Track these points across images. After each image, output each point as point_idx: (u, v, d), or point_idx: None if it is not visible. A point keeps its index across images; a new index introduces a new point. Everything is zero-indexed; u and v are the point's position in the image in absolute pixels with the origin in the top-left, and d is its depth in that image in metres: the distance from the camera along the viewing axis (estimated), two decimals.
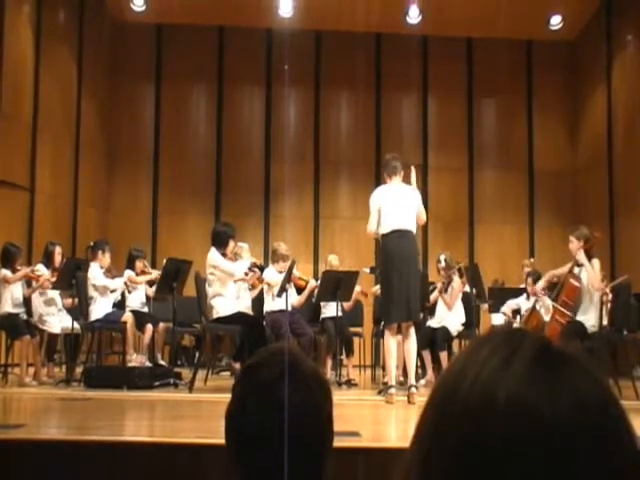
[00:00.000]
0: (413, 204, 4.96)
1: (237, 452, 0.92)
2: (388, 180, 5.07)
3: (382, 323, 6.44)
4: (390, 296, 4.83)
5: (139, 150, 10.01)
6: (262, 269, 6.47)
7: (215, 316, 5.62)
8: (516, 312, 6.91)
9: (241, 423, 0.92)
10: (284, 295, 5.89)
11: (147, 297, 6.91)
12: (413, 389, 4.70)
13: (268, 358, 0.95)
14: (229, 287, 5.71)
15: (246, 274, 5.93)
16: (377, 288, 6.91)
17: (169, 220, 9.92)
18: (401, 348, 5.05)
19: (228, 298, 5.68)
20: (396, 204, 4.89)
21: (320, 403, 0.94)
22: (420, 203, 5.04)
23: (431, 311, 6.72)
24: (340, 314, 6.32)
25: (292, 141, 10.21)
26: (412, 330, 4.88)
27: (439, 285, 6.69)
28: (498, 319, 7.35)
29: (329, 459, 0.94)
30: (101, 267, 6.38)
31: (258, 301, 6.48)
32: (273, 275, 6.33)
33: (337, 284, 6.04)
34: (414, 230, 4.92)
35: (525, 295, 6.82)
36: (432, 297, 6.64)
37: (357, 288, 6.54)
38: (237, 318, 5.59)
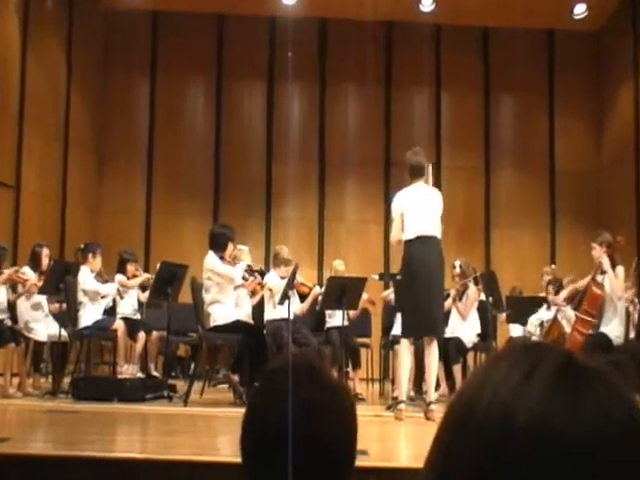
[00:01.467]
0: (438, 208, 4.97)
1: (254, 459, 0.92)
2: (411, 181, 5.02)
3: (391, 333, 6.56)
4: (411, 307, 4.84)
5: (132, 146, 10.05)
6: (263, 274, 6.50)
7: (212, 324, 5.63)
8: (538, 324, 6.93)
9: (260, 426, 0.92)
10: (286, 302, 5.86)
11: (140, 303, 6.95)
12: (432, 406, 4.72)
13: (285, 364, 0.96)
14: (228, 293, 5.75)
15: (245, 279, 5.96)
16: (387, 293, 7.01)
17: (164, 221, 9.94)
18: (414, 361, 5.13)
19: (227, 305, 5.71)
20: (420, 208, 4.88)
21: (347, 407, 0.94)
22: (441, 209, 5.05)
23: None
24: (346, 323, 6.33)
25: (295, 138, 10.24)
26: (434, 344, 4.88)
27: (453, 293, 6.68)
28: (516, 331, 7.35)
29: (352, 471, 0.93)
30: (92, 271, 6.40)
31: (258, 309, 6.51)
32: (275, 281, 6.35)
33: (343, 291, 6.02)
34: (439, 236, 4.92)
35: (546, 305, 6.83)
36: (446, 305, 6.54)
37: (364, 296, 6.54)
38: (236, 327, 5.60)
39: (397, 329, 5.95)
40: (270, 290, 6.25)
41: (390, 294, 6.88)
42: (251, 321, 6.14)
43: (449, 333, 6.50)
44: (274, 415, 0.90)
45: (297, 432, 0.86)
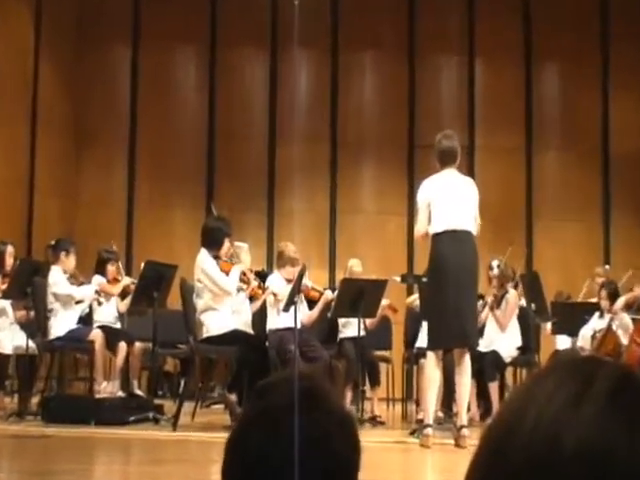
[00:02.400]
0: (472, 198, 5.00)
1: None
2: (440, 169, 5.07)
3: (416, 345, 6.59)
4: (440, 314, 4.86)
5: (112, 127, 10.08)
6: (264, 276, 6.54)
7: (206, 335, 5.66)
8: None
9: (241, 454, 0.92)
10: (292, 309, 5.86)
11: (120, 311, 6.96)
12: (464, 431, 4.75)
13: (285, 380, 0.96)
14: (223, 299, 5.80)
15: (243, 289, 6.03)
16: (412, 299, 7.04)
17: (149, 214, 9.95)
18: (443, 378, 5.18)
19: (222, 312, 5.74)
20: (450, 197, 4.91)
21: (345, 445, 0.94)
22: (477, 202, 5.06)
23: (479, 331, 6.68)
24: (363, 334, 6.35)
25: (303, 116, 10.23)
26: (467, 358, 4.91)
27: (489, 299, 6.68)
28: (564, 343, 7.35)
29: None
30: (64, 272, 6.39)
31: (259, 316, 6.53)
32: (279, 284, 6.37)
33: (359, 296, 6.05)
34: (473, 231, 4.95)
35: (598, 313, 6.84)
36: (482, 315, 6.64)
37: (384, 301, 6.56)
38: (233, 337, 5.62)
39: (423, 340, 5.93)
40: (273, 295, 6.26)
41: (415, 300, 6.93)
42: (251, 331, 6.15)
43: (485, 346, 6.55)
44: (261, 443, 0.90)
45: (277, 466, 0.86)
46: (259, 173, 10.14)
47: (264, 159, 10.18)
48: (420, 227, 5.01)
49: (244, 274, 6.09)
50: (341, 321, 6.74)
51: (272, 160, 10.19)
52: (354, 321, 6.33)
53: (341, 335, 6.77)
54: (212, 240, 5.80)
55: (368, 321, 6.62)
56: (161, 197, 10.02)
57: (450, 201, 4.91)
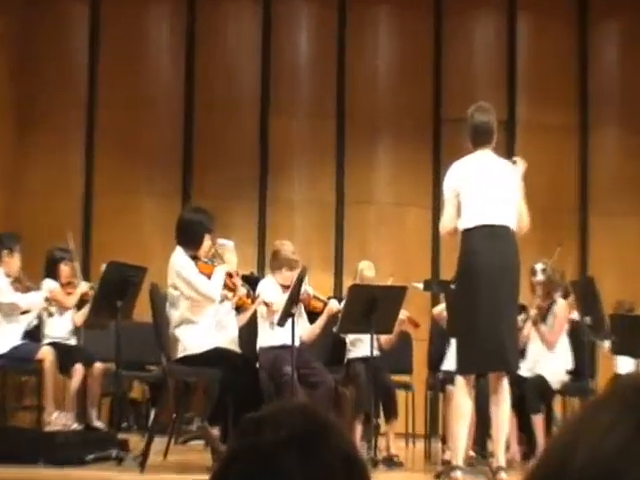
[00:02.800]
0: (513, 186, 5.03)
1: None
2: (473, 149, 5.13)
3: (442, 368, 6.65)
4: (472, 328, 4.92)
5: (65, 100, 10.04)
6: (254, 282, 6.57)
7: (182, 354, 5.67)
8: None
9: None
10: (289, 323, 5.89)
11: (75, 324, 6.94)
12: (502, 474, 4.81)
13: (280, 411, 0.99)
14: (204, 309, 5.81)
15: (227, 298, 6.05)
16: (439, 310, 7.01)
17: (111, 205, 9.87)
18: (476, 409, 5.23)
19: (203, 326, 5.75)
20: (485, 185, 4.96)
21: None
22: (521, 191, 5.09)
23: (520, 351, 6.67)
24: (377, 354, 6.35)
25: (303, 85, 10.22)
26: (505, 384, 4.93)
27: (533, 312, 6.65)
28: (625, 365, 7.32)
29: None
30: (7, 275, 6.40)
31: (248, 331, 6.53)
32: (273, 291, 6.36)
33: (372, 306, 6.03)
34: (513, 226, 4.99)
35: None
36: (522, 328, 6.60)
37: (403, 314, 6.56)
38: (216, 357, 5.63)
39: (451, 362, 5.93)
40: (266, 305, 6.28)
41: (442, 311, 6.90)
42: (238, 349, 6.11)
43: (527, 369, 6.57)
44: None
45: None
46: (249, 154, 10.08)
47: (255, 137, 10.10)
48: (447, 222, 5.06)
49: (230, 276, 6.06)
50: (349, 338, 6.73)
51: (265, 139, 10.12)
52: (366, 338, 6.31)
53: (349, 355, 6.77)
54: (189, 236, 5.80)
55: (383, 338, 6.62)
56: (127, 183, 9.94)
57: (485, 189, 4.94)
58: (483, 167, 5.02)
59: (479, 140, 5.06)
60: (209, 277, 5.82)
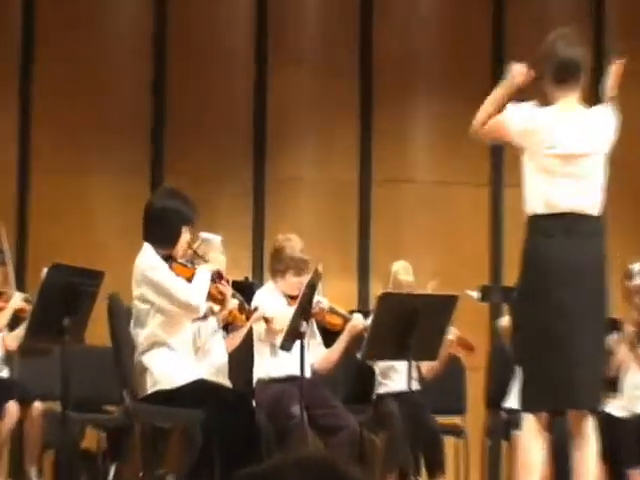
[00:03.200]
0: (601, 147, 5.01)
1: None
2: (554, 94, 5.07)
3: (505, 404, 6.90)
4: (542, 352, 4.96)
5: None
6: (249, 290, 6.67)
7: (152, 389, 5.72)
8: None
9: None
10: (297, 346, 6.01)
11: (7, 350, 7.09)
12: None
13: (282, 470, 1.20)
14: (181, 328, 5.89)
15: (214, 311, 6.20)
16: (504, 325, 7.06)
17: (56, 187, 9.93)
18: (552, 458, 5.21)
19: (179, 350, 5.85)
20: (567, 154, 4.94)
21: None
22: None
23: (610, 383, 6.71)
24: (416, 387, 6.54)
25: (313, 26, 10.39)
26: (590, 425, 4.95)
27: (629, 329, 6.86)
28: None
29: None
30: None
31: (241, 357, 6.68)
32: (274, 303, 6.53)
33: (410, 323, 6.05)
34: (597, 212, 5.01)
35: None
36: (617, 355, 6.84)
37: (452, 333, 6.77)
38: (198, 393, 5.67)
39: (517, 398, 5.80)
40: (265, 321, 6.36)
41: (507, 327, 6.92)
42: (228, 382, 6.25)
43: (622, 407, 6.83)
44: None
45: None
46: (240, 120, 10.09)
47: (248, 98, 10.10)
48: (482, 117, 5.11)
49: (216, 281, 6.02)
50: (379, 366, 6.96)
51: (262, 100, 10.10)
52: (401, 366, 6.48)
53: (379, 390, 7.00)
54: (162, 230, 5.86)
55: (425, 366, 6.83)
56: (76, 161, 9.94)
57: (564, 160, 4.92)
58: (567, 122, 4.97)
59: (564, 81, 5.02)
60: (189, 281, 5.88)
